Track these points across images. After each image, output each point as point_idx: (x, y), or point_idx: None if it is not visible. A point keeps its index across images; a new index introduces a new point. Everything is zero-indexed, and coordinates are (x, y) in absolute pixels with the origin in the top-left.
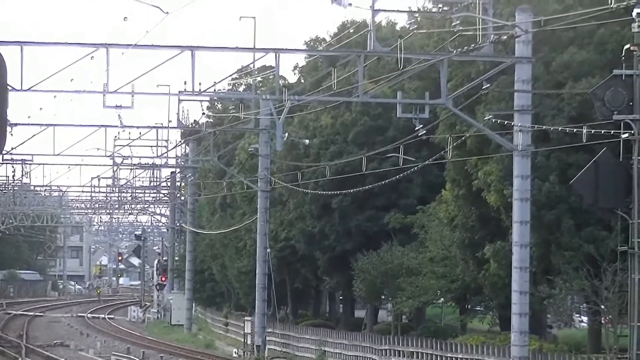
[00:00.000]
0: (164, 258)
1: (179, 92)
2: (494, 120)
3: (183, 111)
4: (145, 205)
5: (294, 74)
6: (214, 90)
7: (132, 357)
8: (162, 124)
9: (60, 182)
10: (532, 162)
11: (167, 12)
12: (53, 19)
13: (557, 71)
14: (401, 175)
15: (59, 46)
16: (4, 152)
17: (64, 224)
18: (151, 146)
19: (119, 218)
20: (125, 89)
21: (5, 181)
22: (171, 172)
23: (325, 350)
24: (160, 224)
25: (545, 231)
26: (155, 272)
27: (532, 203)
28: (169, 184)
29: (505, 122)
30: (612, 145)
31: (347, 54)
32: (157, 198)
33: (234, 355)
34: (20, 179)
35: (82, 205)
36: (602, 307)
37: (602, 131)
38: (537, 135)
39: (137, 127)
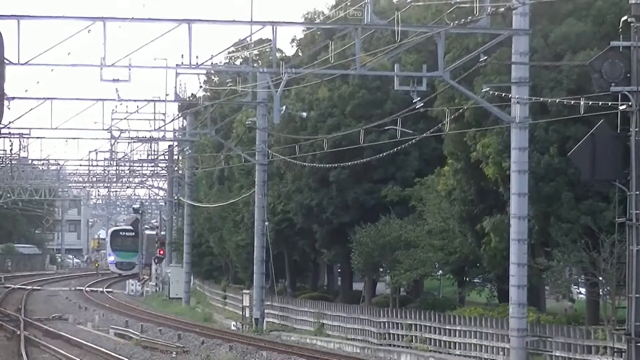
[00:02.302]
0: (122, 227)
1: (176, 65)
2: (491, 92)
3: (180, 84)
4: (143, 179)
5: (292, 46)
6: (211, 63)
7: (130, 330)
8: (159, 97)
9: (58, 156)
10: (531, 135)
11: None
12: None
13: (556, 43)
14: (399, 147)
15: (55, 20)
16: (1, 125)
17: (62, 197)
18: (149, 119)
19: (116, 191)
20: (122, 63)
21: (3, 155)
22: (169, 146)
23: (323, 323)
24: (158, 197)
25: (544, 203)
26: (108, 245)
27: (532, 176)
28: (166, 157)
29: (503, 94)
30: (611, 117)
31: (345, 27)
32: (155, 171)
33: (233, 328)
34: (18, 152)
35: (80, 179)
36: (600, 279)
37: (600, 103)
38: (535, 107)
39: (135, 101)
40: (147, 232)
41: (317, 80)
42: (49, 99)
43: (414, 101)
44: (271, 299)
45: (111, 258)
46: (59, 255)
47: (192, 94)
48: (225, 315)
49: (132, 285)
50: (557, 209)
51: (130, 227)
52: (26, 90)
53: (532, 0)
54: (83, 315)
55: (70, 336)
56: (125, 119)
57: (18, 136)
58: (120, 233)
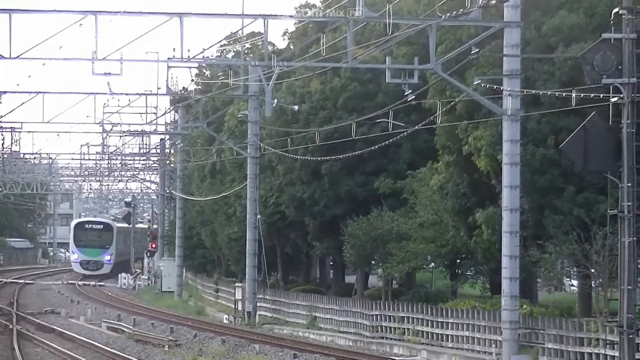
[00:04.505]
0: (87, 219)
1: (168, 58)
2: (484, 84)
3: (172, 78)
4: (135, 172)
5: (283, 39)
6: (203, 57)
7: (123, 323)
8: (151, 91)
9: (50, 150)
10: (525, 127)
11: None
12: None
13: (548, 35)
14: (391, 140)
15: (47, 13)
16: None
17: (54, 191)
18: (140, 113)
19: (108, 185)
20: (114, 56)
21: None
22: (160, 139)
23: (316, 316)
24: (150, 191)
25: (538, 196)
26: (71, 240)
27: (527, 168)
28: (158, 150)
29: (495, 86)
30: (603, 109)
31: (336, 20)
32: (147, 165)
33: (225, 321)
34: (10, 146)
35: (72, 173)
36: (592, 271)
37: (592, 95)
38: (528, 99)
39: (126, 94)
40: (119, 225)
41: (309, 73)
42: (40, 92)
43: (405, 94)
44: (263, 292)
45: (74, 256)
46: (51, 249)
47: (183, 87)
48: (217, 309)
49: (125, 279)
50: (551, 201)
51: (97, 219)
52: (18, 84)
53: None
54: (75, 309)
55: (62, 330)
56: (117, 112)
57: (10, 130)
58: (86, 226)
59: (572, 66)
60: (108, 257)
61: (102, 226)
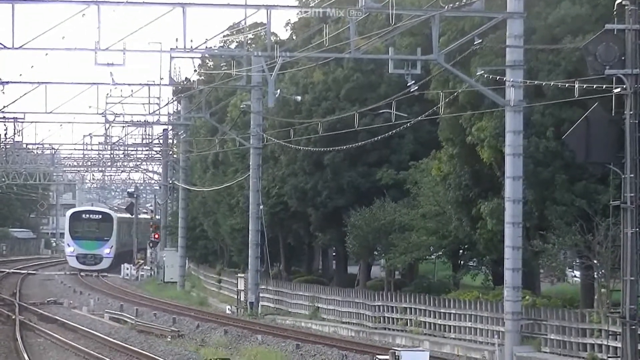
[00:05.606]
0: (84, 208)
1: (171, 49)
2: (487, 75)
3: (175, 68)
4: (138, 163)
5: (286, 30)
6: (206, 47)
7: (125, 314)
8: (153, 81)
9: (53, 140)
10: (529, 119)
11: None
12: None
13: (553, 26)
14: (393, 131)
15: (50, 4)
16: None
17: (57, 182)
18: (143, 103)
19: (111, 176)
20: (116, 47)
21: None
22: (163, 130)
23: (318, 307)
24: (153, 182)
25: (541, 188)
26: (67, 231)
27: (530, 160)
28: (161, 141)
29: (498, 77)
30: (607, 100)
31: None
32: (150, 155)
33: (227, 312)
34: (13, 137)
35: (75, 163)
36: (595, 262)
37: (594, 86)
38: (532, 91)
39: (129, 85)
40: (120, 215)
41: (312, 63)
42: (43, 83)
43: (408, 84)
44: (266, 283)
45: (70, 249)
46: (54, 239)
47: (186, 77)
48: (220, 299)
49: (127, 269)
50: (553, 192)
51: (95, 209)
52: (20, 75)
53: None
54: (78, 300)
55: (65, 320)
56: (119, 103)
57: (12, 120)
58: (83, 216)
59: (578, 57)
60: (107, 250)
61: (100, 216)
